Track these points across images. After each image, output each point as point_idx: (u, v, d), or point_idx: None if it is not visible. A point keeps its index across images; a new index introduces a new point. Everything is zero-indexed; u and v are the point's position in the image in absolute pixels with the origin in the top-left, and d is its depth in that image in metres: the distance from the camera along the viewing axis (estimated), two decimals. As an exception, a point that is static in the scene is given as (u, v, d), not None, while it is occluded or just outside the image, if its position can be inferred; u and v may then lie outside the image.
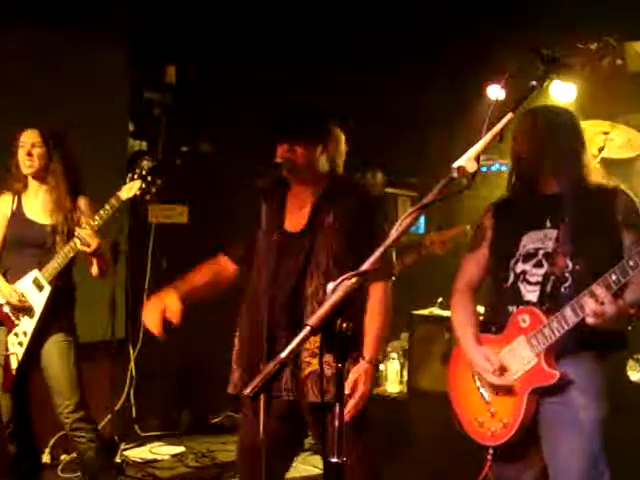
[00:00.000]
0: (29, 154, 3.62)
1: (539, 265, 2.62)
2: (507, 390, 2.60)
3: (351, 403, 2.71)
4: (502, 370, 2.61)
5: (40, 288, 3.62)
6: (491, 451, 2.65)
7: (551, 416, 2.56)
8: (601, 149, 4.57)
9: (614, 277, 2.35)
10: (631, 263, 2.32)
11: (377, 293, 2.83)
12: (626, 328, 2.49)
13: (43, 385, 3.73)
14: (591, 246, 2.51)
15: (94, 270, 3.68)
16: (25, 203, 3.72)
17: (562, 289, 2.56)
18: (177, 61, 5.48)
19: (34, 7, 4.67)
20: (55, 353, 3.67)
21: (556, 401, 2.54)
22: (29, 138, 3.64)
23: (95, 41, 4.98)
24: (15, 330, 3.66)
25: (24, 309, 3.63)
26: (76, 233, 3.51)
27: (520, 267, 2.66)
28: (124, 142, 5.19)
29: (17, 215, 3.70)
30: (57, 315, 3.69)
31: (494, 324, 2.73)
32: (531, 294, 2.62)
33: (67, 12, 4.82)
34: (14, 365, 3.64)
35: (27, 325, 3.64)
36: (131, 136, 5.30)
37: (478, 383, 2.71)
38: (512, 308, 2.64)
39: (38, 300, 3.62)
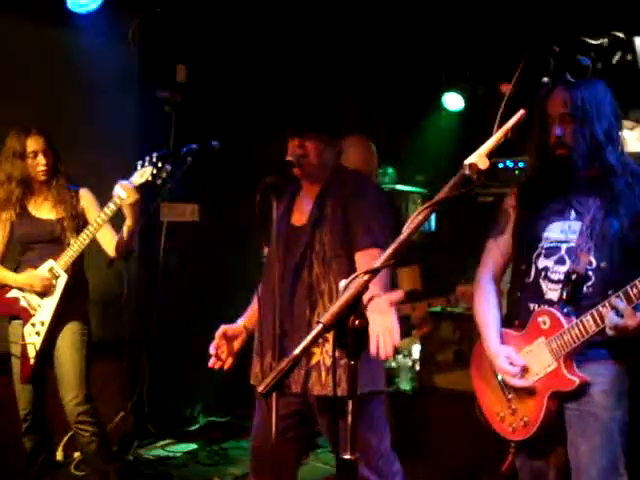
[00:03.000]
0: (44, 161, 3.66)
1: (561, 262, 2.53)
2: (528, 390, 2.55)
3: (377, 335, 2.40)
4: (524, 372, 2.55)
5: (56, 277, 3.65)
6: (513, 444, 2.62)
7: (573, 416, 2.53)
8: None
9: (635, 290, 2.28)
10: None
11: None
12: None
13: (54, 379, 3.75)
14: (617, 243, 2.43)
15: (114, 249, 3.70)
16: (29, 205, 3.76)
17: (585, 288, 2.49)
18: (187, 60, 5.48)
19: (47, 6, 4.69)
20: (68, 343, 3.70)
21: (577, 404, 2.51)
22: (38, 145, 3.66)
23: (106, 40, 4.99)
24: (32, 320, 3.68)
25: (47, 290, 3.64)
26: (115, 187, 3.51)
27: (542, 262, 2.57)
28: (134, 140, 5.19)
29: (22, 216, 3.73)
30: (72, 304, 3.72)
31: (516, 318, 2.66)
32: (552, 292, 2.54)
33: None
34: (32, 353, 3.66)
35: (44, 314, 3.66)
36: (142, 134, 5.30)
37: (499, 377, 2.65)
38: (533, 306, 2.58)
39: (55, 288, 3.66)
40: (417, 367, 5.23)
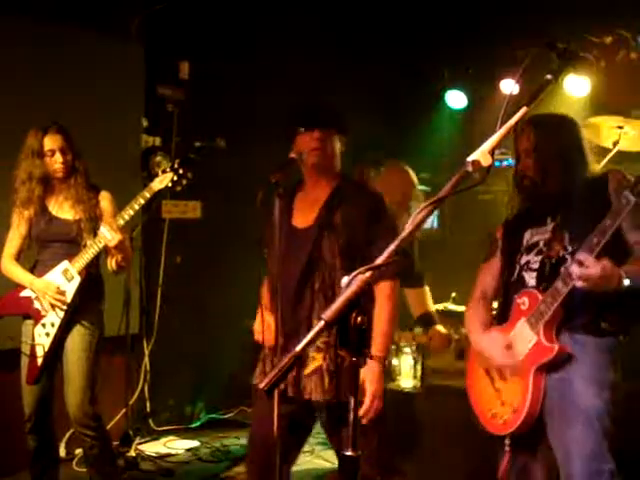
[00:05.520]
0: (62, 159, 3.65)
1: (539, 253, 2.72)
2: (514, 374, 2.68)
3: (366, 404, 2.74)
4: (509, 348, 2.69)
5: (69, 279, 3.65)
6: (508, 442, 2.71)
7: (555, 406, 2.61)
8: (616, 143, 4.57)
9: (595, 240, 2.43)
10: (608, 222, 2.41)
11: (384, 292, 2.85)
12: (620, 289, 2.46)
13: (58, 378, 3.75)
14: (587, 228, 2.52)
15: (112, 265, 3.69)
16: (50, 204, 3.75)
17: (562, 270, 2.60)
18: (190, 57, 5.48)
19: (50, 3, 4.69)
20: (76, 345, 3.69)
21: (557, 384, 2.60)
22: (56, 144, 3.65)
23: (109, 38, 4.99)
24: (43, 321, 3.68)
25: (60, 304, 3.64)
26: (101, 227, 3.54)
27: (524, 259, 2.76)
28: (138, 138, 5.20)
29: (41, 214, 3.72)
30: (84, 307, 3.71)
31: (506, 316, 2.80)
32: (532, 280, 2.71)
33: (82, 9, 4.84)
34: (40, 356, 3.65)
35: (55, 316, 3.66)
36: (145, 132, 5.31)
37: (492, 380, 2.79)
38: (516, 296, 2.75)
39: (67, 290, 3.66)
40: (419, 365, 5.22)
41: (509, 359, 2.68)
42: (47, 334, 3.66)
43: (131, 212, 3.59)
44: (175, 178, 3.62)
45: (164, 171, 3.66)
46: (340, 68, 5.62)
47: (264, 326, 2.91)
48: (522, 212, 2.88)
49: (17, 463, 3.99)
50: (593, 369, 2.59)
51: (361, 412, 2.72)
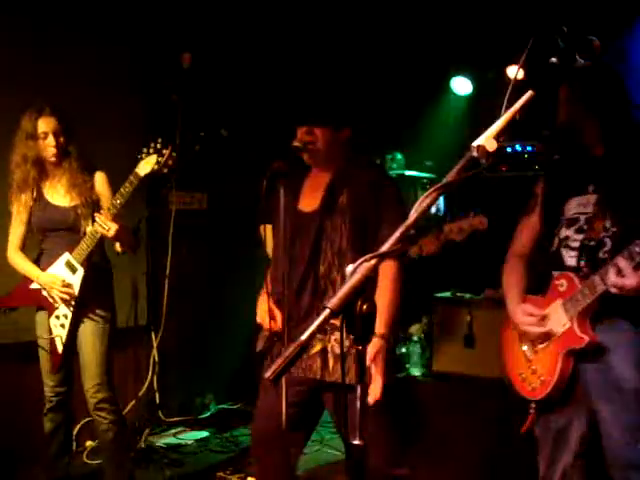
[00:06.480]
0: (54, 143, 3.61)
1: (580, 231, 2.65)
2: (545, 350, 2.69)
3: (372, 385, 2.71)
4: (542, 326, 2.68)
5: (73, 270, 3.65)
6: (533, 405, 2.75)
7: (591, 381, 2.61)
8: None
9: (637, 249, 2.35)
10: None
11: (388, 271, 2.82)
12: None
13: (76, 364, 3.76)
14: (633, 208, 2.47)
15: (117, 248, 3.70)
16: (45, 188, 3.74)
17: (600, 254, 2.56)
18: (193, 47, 5.46)
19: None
20: (89, 332, 3.69)
21: (594, 367, 2.59)
22: (49, 126, 3.61)
23: (112, 27, 4.98)
24: (56, 313, 3.68)
25: (68, 297, 3.65)
26: (96, 218, 3.52)
27: (564, 232, 2.70)
28: (141, 129, 5.19)
29: (39, 201, 3.71)
30: (94, 296, 3.71)
31: (541, 287, 2.77)
32: (571, 259, 2.66)
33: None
34: (60, 347, 3.68)
35: (66, 308, 3.67)
36: (148, 123, 5.29)
37: (524, 347, 2.80)
38: (555, 273, 2.71)
39: (73, 283, 3.65)
40: (427, 352, 5.22)
41: (541, 328, 2.68)
42: (62, 325, 3.68)
43: (121, 200, 3.51)
44: (159, 160, 3.52)
45: (148, 154, 3.55)
46: (343, 56, 5.60)
47: (269, 312, 2.89)
48: (563, 175, 2.78)
49: (33, 453, 4.00)
50: (633, 352, 2.54)
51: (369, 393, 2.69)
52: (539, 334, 2.69)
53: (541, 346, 2.72)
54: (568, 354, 2.61)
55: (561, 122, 2.71)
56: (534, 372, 2.73)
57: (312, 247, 2.87)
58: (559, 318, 2.64)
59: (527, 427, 2.76)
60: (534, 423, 2.76)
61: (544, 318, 2.69)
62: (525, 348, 2.80)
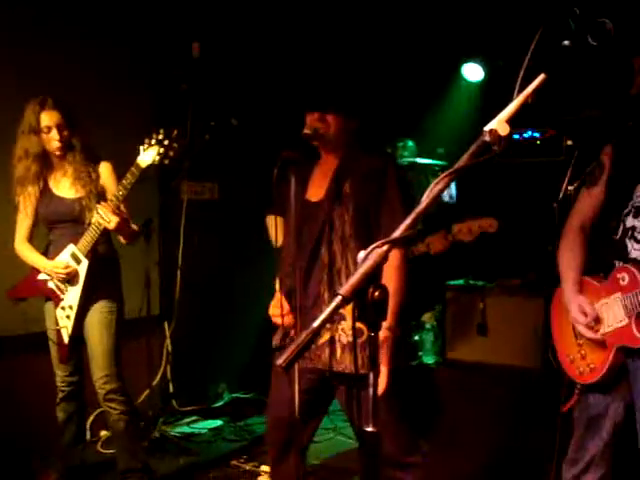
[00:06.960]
0: (58, 137, 3.59)
1: None
2: (598, 340, 2.62)
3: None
4: (596, 322, 2.60)
5: (78, 262, 3.65)
6: (579, 386, 2.72)
7: (636, 378, 2.56)
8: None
9: None
10: None
11: (392, 259, 2.78)
12: None
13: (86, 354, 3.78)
14: None
15: (120, 239, 3.71)
16: (50, 181, 3.74)
17: None
18: (202, 36, 5.44)
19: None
20: (96, 323, 3.70)
21: None
22: (52, 120, 3.58)
23: (121, 18, 4.97)
24: (62, 304, 3.70)
25: (71, 277, 3.65)
26: (98, 209, 3.51)
27: (630, 221, 2.56)
28: (150, 119, 5.18)
29: (45, 194, 3.72)
30: (99, 286, 3.71)
31: (599, 272, 2.67)
32: (636, 252, 2.53)
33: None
34: (66, 338, 3.70)
35: (71, 299, 3.68)
36: (158, 113, 5.29)
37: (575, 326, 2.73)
38: (618, 263, 2.58)
39: (78, 273, 3.66)
40: (440, 340, 5.22)
41: (591, 334, 2.60)
42: (68, 317, 3.69)
43: (124, 191, 3.49)
44: (161, 150, 3.49)
45: (150, 144, 3.52)
46: (355, 43, 5.57)
47: (282, 310, 2.88)
48: (633, 145, 2.59)
49: (47, 443, 4.03)
50: None
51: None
52: (590, 338, 2.61)
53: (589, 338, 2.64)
54: (621, 349, 2.55)
55: (637, 92, 2.59)
56: (583, 357, 2.68)
57: (318, 236, 2.87)
58: (616, 313, 2.55)
59: (569, 406, 2.74)
60: (576, 404, 2.73)
61: (598, 319, 2.59)
62: (576, 332, 2.70)
